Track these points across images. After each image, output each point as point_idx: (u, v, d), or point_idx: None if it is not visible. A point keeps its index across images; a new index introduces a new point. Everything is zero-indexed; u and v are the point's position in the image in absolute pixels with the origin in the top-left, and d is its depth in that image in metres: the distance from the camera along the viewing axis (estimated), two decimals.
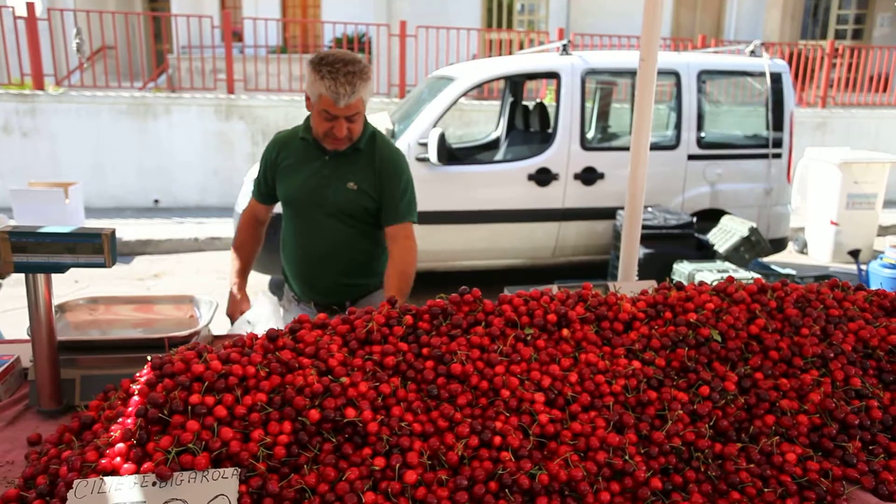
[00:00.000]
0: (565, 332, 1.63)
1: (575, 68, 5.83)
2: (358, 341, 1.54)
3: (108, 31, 10.10)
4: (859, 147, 8.59)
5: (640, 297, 1.78)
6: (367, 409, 1.36)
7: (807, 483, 1.40)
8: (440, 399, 1.45)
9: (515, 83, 7.12)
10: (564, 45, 6.05)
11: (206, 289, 2.19)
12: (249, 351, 1.44)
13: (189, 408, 1.28)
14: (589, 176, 5.84)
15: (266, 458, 1.27)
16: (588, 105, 6.34)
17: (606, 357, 1.60)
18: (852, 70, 11.38)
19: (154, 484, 1.18)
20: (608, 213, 5.84)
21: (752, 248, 5.43)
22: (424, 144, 5.41)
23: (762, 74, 6.16)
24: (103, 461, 1.24)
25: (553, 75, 6.00)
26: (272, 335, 1.51)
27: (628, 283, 2.03)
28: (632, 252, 2.74)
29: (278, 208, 2.57)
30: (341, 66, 2.14)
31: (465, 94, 5.78)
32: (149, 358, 1.41)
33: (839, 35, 15.52)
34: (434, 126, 5.51)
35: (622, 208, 5.74)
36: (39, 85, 8.84)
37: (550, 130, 6.00)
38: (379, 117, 6.03)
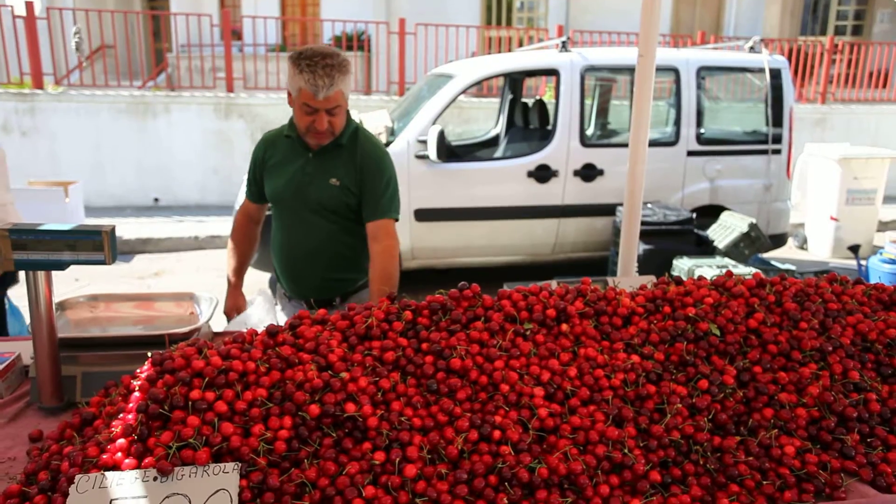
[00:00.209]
0: (564, 326, 1.64)
1: (574, 65, 5.83)
2: (358, 337, 1.55)
3: (107, 30, 10.09)
4: (859, 143, 8.59)
5: (639, 291, 1.79)
6: (367, 404, 1.37)
7: (805, 475, 1.41)
8: (440, 394, 1.46)
9: (515, 80, 7.12)
10: (564, 42, 6.05)
11: (206, 287, 2.20)
12: (249, 347, 1.45)
13: (189, 403, 1.29)
14: (588, 172, 5.85)
15: (266, 452, 1.27)
16: (587, 102, 6.34)
17: (605, 351, 1.60)
18: (852, 66, 11.37)
19: (155, 479, 1.19)
20: (608, 210, 5.84)
21: (752, 244, 5.43)
22: (424, 142, 5.42)
23: (762, 70, 6.16)
24: (104, 456, 1.25)
25: (552, 72, 5.99)
26: (272, 331, 1.52)
27: (627, 279, 2.04)
28: (631, 248, 2.74)
29: None
30: (319, 60, 2.17)
31: (464, 92, 5.78)
32: (149, 354, 1.42)
33: (839, 31, 15.51)
34: (433, 123, 5.52)
35: (622, 205, 5.70)
36: (39, 84, 8.84)
37: (550, 127, 6.00)
38: (378, 115, 6.04)
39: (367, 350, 1.51)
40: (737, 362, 1.61)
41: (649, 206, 5.68)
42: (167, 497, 1.18)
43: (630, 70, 6.44)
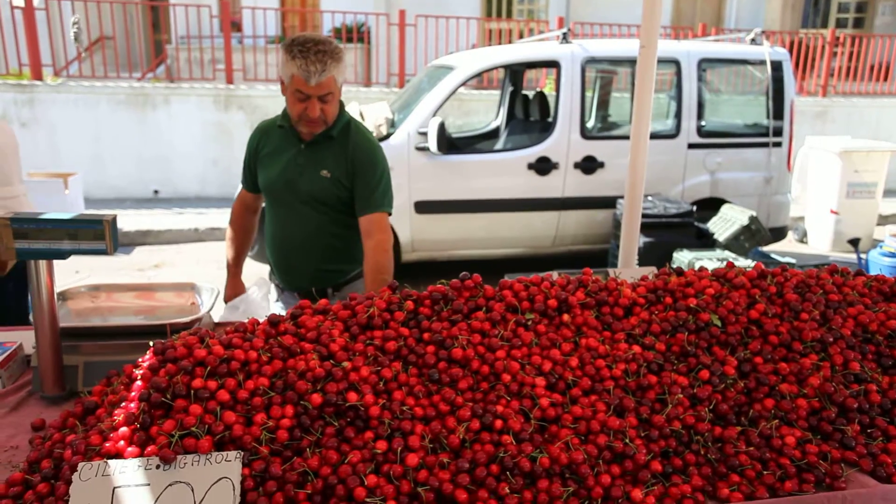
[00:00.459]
0: (566, 317, 1.64)
1: (575, 57, 5.81)
2: (359, 326, 1.55)
3: (105, 22, 10.05)
4: (860, 136, 8.57)
5: (641, 282, 1.79)
6: (368, 394, 1.37)
7: (806, 466, 1.42)
8: (441, 383, 1.46)
9: (515, 72, 7.10)
10: (564, 34, 6.03)
11: (206, 279, 2.20)
12: (251, 336, 1.45)
13: (192, 392, 1.29)
14: (589, 165, 5.84)
15: (269, 441, 1.27)
16: (588, 94, 6.32)
17: (607, 342, 1.60)
18: (853, 59, 11.34)
19: (158, 467, 1.19)
20: (608, 203, 5.83)
21: (752, 237, 5.43)
22: (424, 134, 5.40)
23: (763, 63, 6.14)
24: (107, 445, 1.25)
25: (553, 64, 5.98)
26: (274, 320, 1.52)
27: (628, 270, 2.04)
28: (632, 240, 2.74)
29: None
30: (312, 46, 2.17)
31: (464, 83, 5.76)
32: (151, 344, 1.42)
33: (840, 24, 15.45)
34: (434, 115, 5.50)
35: (622, 197, 5.73)
36: (38, 75, 8.81)
37: (550, 119, 5.99)
38: (379, 107, 6.02)
39: (369, 340, 1.52)
40: (738, 353, 1.61)
41: (650, 198, 5.68)
42: (170, 485, 1.18)
43: (631, 62, 6.42)
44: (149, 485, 1.17)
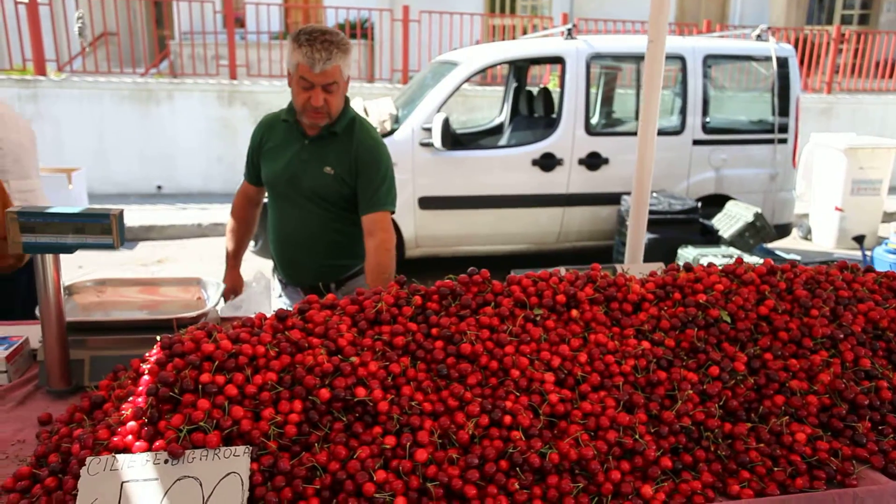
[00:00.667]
0: (574, 312, 1.63)
1: (580, 53, 5.79)
2: (367, 321, 1.54)
3: (109, 17, 10.04)
4: (865, 133, 8.53)
5: (649, 278, 1.78)
6: (377, 389, 1.36)
7: (816, 462, 1.41)
8: (450, 379, 1.45)
9: (519, 68, 7.07)
10: (569, 30, 6.01)
11: (210, 274, 2.20)
12: (259, 331, 1.44)
13: (200, 387, 1.28)
14: (593, 161, 5.82)
15: (277, 436, 1.27)
16: (593, 90, 6.30)
17: (616, 337, 1.59)
18: (858, 56, 11.29)
19: (166, 462, 1.19)
20: (612, 199, 5.82)
21: (757, 234, 5.42)
22: (428, 129, 5.39)
23: (768, 59, 6.11)
24: (115, 439, 1.25)
25: (558, 60, 5.95)
26: (281, 315, 1.51)
27: (636, 265, 2.03)
28: (639, 236, 2.73)
29: None
30: (319, 35, 2.17)
31: (469, 79, 5.75)
32: (158, 338, 1.41)
33: (845, 20, 15.38)
34: (438, 111, 5.49)
35: (627, 193, 5.73)
36: (41, 70, 8.81)
37: (555, 115, 5.97)
38: (383, 102, 6.00)
39: (377, 335, 1.51)
40: (747, 349, 1.60)
41: (655, 194, 5.66)
42: (178, 480, 1.18)
43: (636, 58, 6.43)
44: (157, 479, 1.17)
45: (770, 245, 5.99)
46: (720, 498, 1.34)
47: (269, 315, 1.54)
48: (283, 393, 1.32)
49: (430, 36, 10.13)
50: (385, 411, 1.34)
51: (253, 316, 1.54)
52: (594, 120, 6.61)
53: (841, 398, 1.53)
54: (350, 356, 1.42)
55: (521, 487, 1.26)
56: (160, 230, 7.46)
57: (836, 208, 7.37)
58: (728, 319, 1.64)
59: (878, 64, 11.46)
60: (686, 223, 5.47)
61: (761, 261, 1.85)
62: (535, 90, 6.79)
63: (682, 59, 5.95)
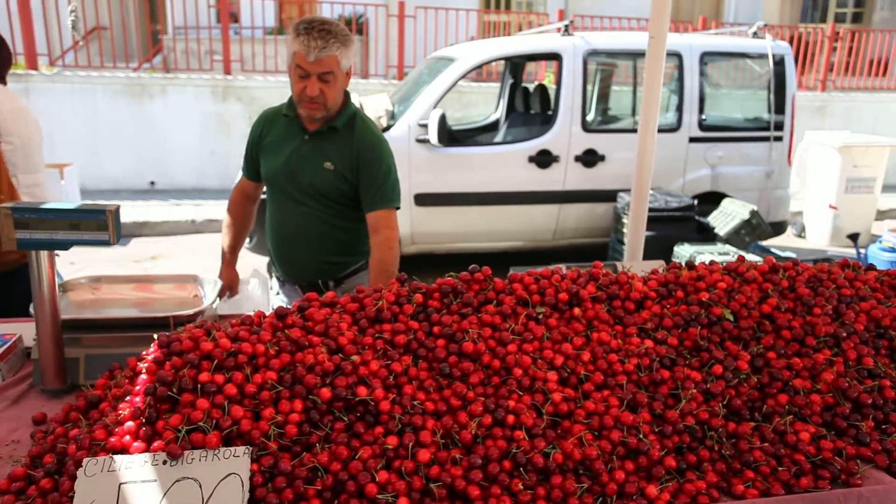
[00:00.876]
0: (577, 310, 1.62)
1: (577, 49, 5.77)
2: (368, 319, 1.52)
3: (101, 11, 9.95)
4: (858, 131, 8.55)
5: (651, 276, 1.77)
6: (378, 388, 1.34)
7: (821, 462, 1.40)
8: (452, 378, 1.44)
9: (515, 65, 7.05)
10: (566, 26, 5.98)
11: (204, 271, 2.18)
12: (258, 329, 1.42)
13: (198, 386, 1.26)
14: (590, 158, 5.81)
15: (277, 436, 1.25)
16: (589, 87, 6.28)
17: (619, 336, 1.58)
18: (852, 54, 11.32)
19: (165, 462, 1.17)
20: (609, 196, 5.81)
21: (753, 231, 5.42)
22: (425, 126, 5.37)
23: (765, 56, 6.11)
24: (112, 439, 1.22)
25: (555, 56, 5.94)
26: (281, 313, 1.49)
27: (638, 263, 2.01)
28: (638, 233, 2.73)
29: None
30: (317, 25, 2.15)
31: (466, 75, 5.72)
32: (155, 336, 1.39)
33: (839, 18, 15.41)
34: (435, 107, 5.46)
35: (623, 191, 5.72)
36: (33, 64, 8.72)
37: (551, 112, 5.95)
38: (379, 98, 5.97)
39: (378, 333, 1.49)
40: (751, 348, 1.59)
41: (651, 192, 5.64)
42: (177, 481, 1.16)
43: (633, 55, 6.42)
44: (156, 481, 1.15)
45: (765, 243, 6.00)
46: (725, 498, 1.33)
47: (267, 313, 1.52)
48: (283, 392, 1.30)
49: (426, 32, 10.09)
50: (387, 411, 1.32)
51: (251, 313, 1.52)
52: (590, 117, 6.59)
53: (844, 397, 1.52)
54: (351, 355, 1.40)
55: (524, 488, 1.25)
56: (153, 226, 7.40)
57: (830, 206, 7.39)
58: (731, 318, 1.63)
59: (871, 62, 11.49)
60: (682, 221, 5.47)
61: (761, 259, 1.85)
62: (531, 87, 6.77)
63: (678, 56, 5.94)
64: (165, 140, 9.01)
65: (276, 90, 9.16)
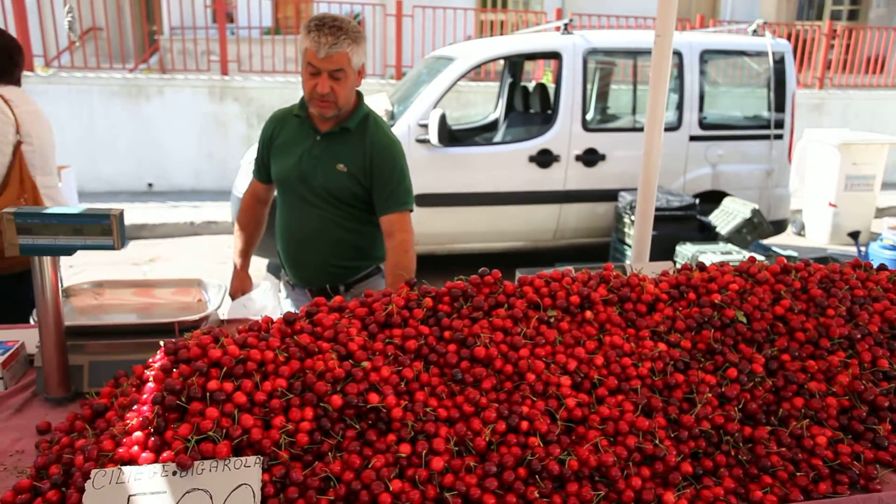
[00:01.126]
0: (589, 313, 1.59)
1: (577, 48, 5.75)
2: (378, 325, 1.50)
3: (97, 12, 9.90)
4: (856, 128, 8.56)
5: (663, 277, 1.75)
6: (390, 395, 1.32)
7: (839, 466, 1.38)
8: (464, 383, 1.41)
9: (514, 64, 7.03)
10: (566, 25, 5.96)
11: (203, 273, 2.15)
12: (266, 335, 1.40)
13: (207, 394, 1.23)
14: (590, 157, 5.79)
15: (288, 445, 1.23)
16: (589, 86, 6.26)
17: (631, 339, 1.56)
18: (849, 51, 11.32)
19: (175, 473, 1.14)
20: (609, 195, 5.79)
21: (755, 230, 5.41)
22: (425, 126, 5.34)
23: (765, 54, 6.10)
24: (120, 450, 1.20)
25: (554, 55, 5.91)
26: (289, 318, 1.46)
27: (647, 264, 1.99)
28: (645, 233, 2.71)
29: None
30: (329, 21, 2.13)
31: (465, 75, 5.69)
32: (161, 343, 1.36)
33: (835, 16, 15.42)
34: (434, 107, 5.43)
35: (624, 190, 5.70)
36: (28, 66, 8.67)
37: (551, 111, 5.93)
38: (378, 98, 5.94)
39: (388, 338, 1.46)
40: (765, 350, 1.57)
41: None
42: (187, 492, 1.13)
43: (633, 53, 6.40)
44: (166, 492, 1.12)
45: (766, 241, 5.99)
46: None
47: (276, 318, 1.49)
48: (293, 400, 1.28)
49: (424, 31, 10.06)
50: (399, 418, 1.30)
51: (259, 318, 1.49)
52: (591, 116, 6.58)
53: (860, 400, 1.50)
54: (361, 361, 1.38)
55: (540, 496, 1.23)
56: (152, 228, 7.36)
57: (830, 204, 7.39)
58: (744, 320, 1.61)
59: (868, 59, 11.50)
60: (684, 220, 5.45)
61: (764, 258, 1.82)
62: (530, 86, 6.75)
63: (678, 54, 5.91)
64: (162, 141, 8.96)
65: (273, 90, 9.13)
